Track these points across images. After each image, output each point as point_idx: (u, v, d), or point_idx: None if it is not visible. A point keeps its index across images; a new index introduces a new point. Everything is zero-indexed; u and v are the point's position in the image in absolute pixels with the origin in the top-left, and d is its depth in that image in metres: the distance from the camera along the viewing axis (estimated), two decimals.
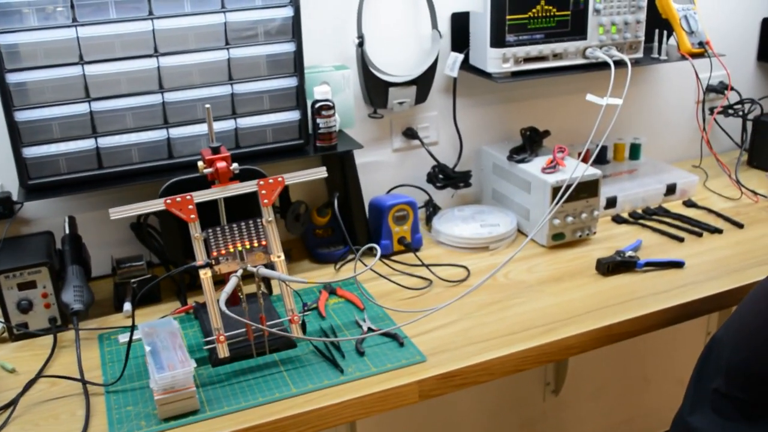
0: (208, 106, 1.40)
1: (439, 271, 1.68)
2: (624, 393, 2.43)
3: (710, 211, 1.94)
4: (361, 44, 1.74)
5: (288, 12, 1.55)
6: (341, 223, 1.67)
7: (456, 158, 1.98)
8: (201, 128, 1.57)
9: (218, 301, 1.28)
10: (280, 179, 1.42)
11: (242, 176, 1.44)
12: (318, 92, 1.63)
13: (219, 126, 1.58)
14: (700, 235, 1.82)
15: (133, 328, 1.35)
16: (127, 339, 1.38)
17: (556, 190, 1.70)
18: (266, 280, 1.60)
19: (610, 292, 1.59)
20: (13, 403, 1.29)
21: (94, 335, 1.51)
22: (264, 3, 1.53)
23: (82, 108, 1.48)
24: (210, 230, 1.38)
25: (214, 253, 1.37)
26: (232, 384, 1.33)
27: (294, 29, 1.56)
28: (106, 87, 1.48)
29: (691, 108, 2.26)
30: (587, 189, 1.75)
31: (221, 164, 1.39)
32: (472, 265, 1.71)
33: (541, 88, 2.05)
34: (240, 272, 1.35)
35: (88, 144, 1.51)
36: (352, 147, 1.69)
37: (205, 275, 1.35)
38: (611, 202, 1.92)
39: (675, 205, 1.99)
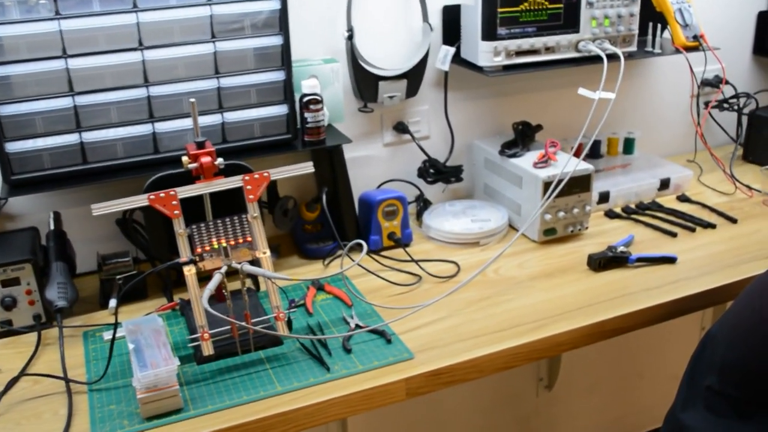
0: (192, 100, 1.38)
1: (429, 266, 1.67)
2: (618, 389, 2.42)
3: (704, 206, 1.92)
4: (350, 37, 1.72)
5: (275, 5, 1.52)
6: (329, 218, 1.65)
7: (447, 153, 1.96)
8: (187, 122, 1.55)
9: (201, 298, 1.26)
10: (265, 174, 1.40)
11: (228, 171, 1.42)
12: (306, 86, 1.60)
13: (205, 120, 1.56)
14: (693, 230, 1.80)
15: (116, 325, 1.33)
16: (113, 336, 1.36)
17: (547, 185, 1.68)
18: (253, 277, 1.58)
19: (602, 287, 1.57)
20: None
21: (79, 332, 1.49)
22: None
23: (66, 102, 1.46)
24: (194, 226, 1.36)
25: (198, 250, 1.35)
26: (216, 382, 1.32)
27: (281, 22, 1.54)
28: (90, 81, 1.46)
29: (685, 102, 2.24)
30: (579, 184, 1.73)
31: (206, 159, 1.37)
32: (463, 261, 1.69)
33: (533, 81, 2.03)
34: (224, 269, 1.33)
35: (72, 139, 1.49)
36: (341, 141, 1.67)
37: (189, 272, 1.33)
38: (604, 197, 1.90)
39: (669, 200, 1.97)
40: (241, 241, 1.38)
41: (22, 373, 1.35)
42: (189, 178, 1.39)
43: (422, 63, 1.81)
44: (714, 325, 1.36)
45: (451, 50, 1.81)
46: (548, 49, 1.77)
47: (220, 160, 1.39)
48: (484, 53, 1.72)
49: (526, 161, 1.78)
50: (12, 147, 1.46)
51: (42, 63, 1.42)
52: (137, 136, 1.53)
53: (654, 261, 1.65)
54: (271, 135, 1.62)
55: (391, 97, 1.81)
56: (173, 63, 1.50)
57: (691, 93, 2.16)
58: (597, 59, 1.75)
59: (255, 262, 1.37)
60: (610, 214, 1.90)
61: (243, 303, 1.36)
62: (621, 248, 1.66)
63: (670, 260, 1.65)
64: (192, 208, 1.40)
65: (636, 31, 1.83)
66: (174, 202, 1.35)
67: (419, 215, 1.87)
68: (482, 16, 1.69)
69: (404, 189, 1.90)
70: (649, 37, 1.91)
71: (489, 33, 1.70)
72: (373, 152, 1.91)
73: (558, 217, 1.74)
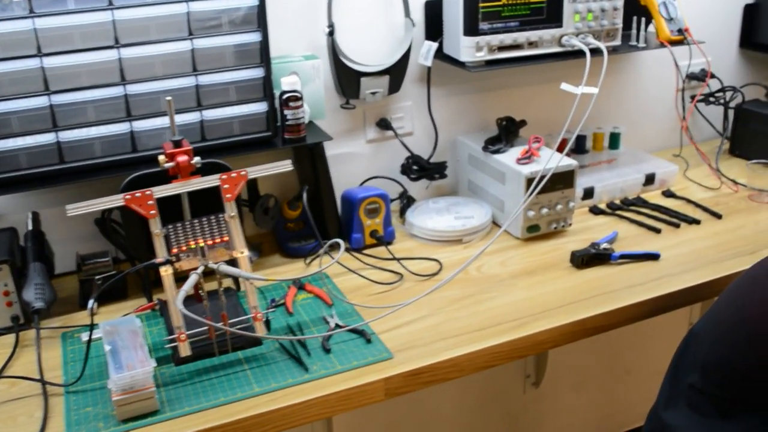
0: (169, 98, 1.36)
1: (411, 264, 1.65)
2: (605, 385, 2.41)
3: (689, 201, 1.91)
4: (331, 33, 1.70)
5: (253, 1, 1.51)
6: (310, 216, 1.64)
7: (431, 149, 1.95)
8: (166, 121, 1.53)
9: (176, 299, 1.25)
10: (243, 173, 1.38)
11: (207, 170, 1.41)
12: (285, 83, 1.59)
13: (184, 118, 1.54)
14: (677, 226, 1.79)
15: (92, 326, 1.32)
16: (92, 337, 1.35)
17: (530, 181, 1.67)
18: (234, 276, 1.57)
19: (584, 285, 1.56)
20: None
21: (57, 333, 1.48)
22: None
23: (42, 101, 1.44)
24: (170, 226, 1.35)
25: (175, 250, 1.34)
26: (194, 383, 1.31)
27: (259, 18, 1.52)
28: (66, 79, 1.44)
29: (671, 96, 2.23)
30: (563, 180, 1.72)
31: (182, 158, 1.36)
32: (445, 259, 1.68)
33: (517, 77, 2.02)
34: (201, 269, 1.32)
35: (48, 138, 1.47)
36: (322, 139, 1.66)
37: (165, 272, 1.32)
38: (588, 193, 1.89)
39: (654, 196, 1.96)
40: (218, 240, 1.37)
41: None
42: (167, 177, 1.38)
43: (404, 59, 1.79)
44: (697, 322, 1.35)
45: (434, 46, 1.80)
46: (531, 44, 1.76)
47: (196, 159, 1.38)
48: (466, 48, 1.71)
49: (509, 157, 1.77)
50: None
51: (17, 62, 1.41)
52: (115, 135, 1.51)
53: (637, 258, 1.64)
54: (251, 133, 1.60)
55: (373, 93, 1.79)
56: (150, 61, 1.48)
57: (676, 87, 2.15)
58: (581, 54, 1.73)
59: (233, 262, 1.36)
60: (595, 210, 1.89)
61: (220, 303, 1.34)
62: (604, 245, 1.65)
63: (654, 257, 1.64)
64: (171, 208, 1.38)
65: (620, 26, 1.81)
66: (150, 202, 1.33)
67: (402, 212, 1.86)
68: (464, 11, 1.68)
69: (388, 186, 1.89)
70: (634, 31, 1.90)
71: (471, 28, 1.69)
72: (356, 149, 1.90)
73: (541, 214, 1.73)
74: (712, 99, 2.21)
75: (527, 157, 1.74)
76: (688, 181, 2.05)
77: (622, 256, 1.63)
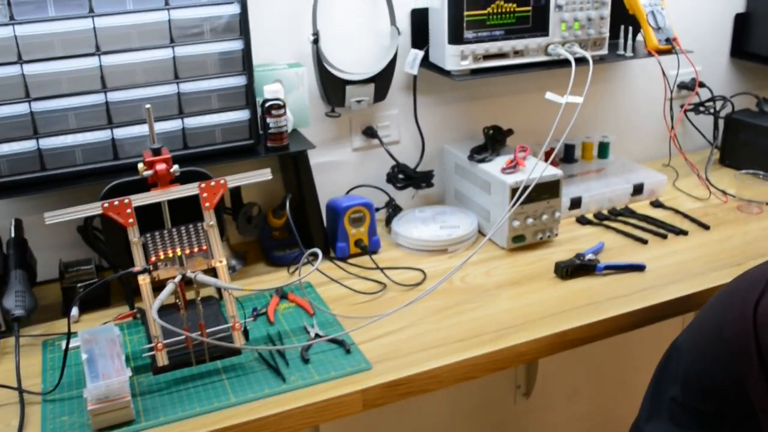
0: (148, 106, 1.36)
1: (395, 274, 1.65)
2: (598, 396, 2.39)
3: (677, 212, 1.90)
4: (316, 41, 1.70)
5: (235, 9, 1.50)
6: (292, 225, 1.63)
7: (419, 157, 1.94)
8: (147, 128, 1.52)
9: (151, 309, 1.24)
10: (222, 182, 1.38)
11: (188, 178, 1.40)
12: (267, 91, 1.58)
13: (166, 126, 1.54)
14: (664, 237, 1.78)
15: (69, 335, 1.31)
16: (71, 345, 1.34)
17: (514, 191, 1.66)
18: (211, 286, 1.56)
19: (568, 296, 1.55)
20: None
21: (38, 341, 1.47)
22: (210, 0, 1.48)
23: (22, 108, 1.44)
24: (148, 235, 1.34)
25: (153, 259, 1.33)
26: (171, 393, 1.30)
27: (241, 26, 1.52)
28: (47, 87, 1.44)
29: (661, 106, 2.21)
30: (548, 190, 1.71)
31: (160, 167, 1.35)
32: (430, 269, 1.67)
33: (505, 85, 2.01)
34: (178, 278, 1.31)
35: (29, 145, 1.46)
36: (305, 147, 1.65)
37: (143, 281, 1.31)
38: (576, 203, 1.88)
39: (642, 206, 1.95)
40: (196, 250, 1.36)
41: None
42: (146, 185, 1.37)
43: (390, 67, 1.78)
44: (680, 335, 1.34)
45: (420, 54, 1.79)
46: (517, 53, 1.75)
47: (175, 167, 1.37)
48: (451, 57, 1.70)
49: (494, 166, 1.76)
50: None
51: None
52: (96, 142, 1.51)
53: (622, 269, 1.63)
54: (233, 141, 1.60)
55: (358, 102, 1.78)
56: (131, 68, 1.48)
57: (665, 96, 2.14)
58: (568, 63, 1.72)
59: (211, 271, 1.35)
60: (582, 221, 1.88)
61: (197, 313, 1.33)
62: (589, 256, 1.64)
63: (639, 268, 1.63)
64: (153, 216, 1.38)
65: (607, 35, 1.81)
66: (128, 211, 1.33)
67: (389, 221, 1.85)
68: (448, 19, 1.67)
69: (374, 195, 1.88)
70: (621, 40, 1.89)
71: (455, 37, 1.68)
72: (342, 157, 1.89)
73: (526, 224, 1.72)
74: (702, 108, 2.20)
75: (513, 167, 1.73)
76: (678, 192, 2.04)
77: (607, 268, 1.62)
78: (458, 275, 1.63)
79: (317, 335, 1.42)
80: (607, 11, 1.78)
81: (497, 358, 1.38)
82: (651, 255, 1.70)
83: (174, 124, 1.55)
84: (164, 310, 1.39)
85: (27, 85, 1.43)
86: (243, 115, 1.58)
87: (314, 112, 1.79)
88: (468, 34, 1.69)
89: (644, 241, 1.76)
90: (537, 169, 1.67)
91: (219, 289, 1.57)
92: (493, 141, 1.85)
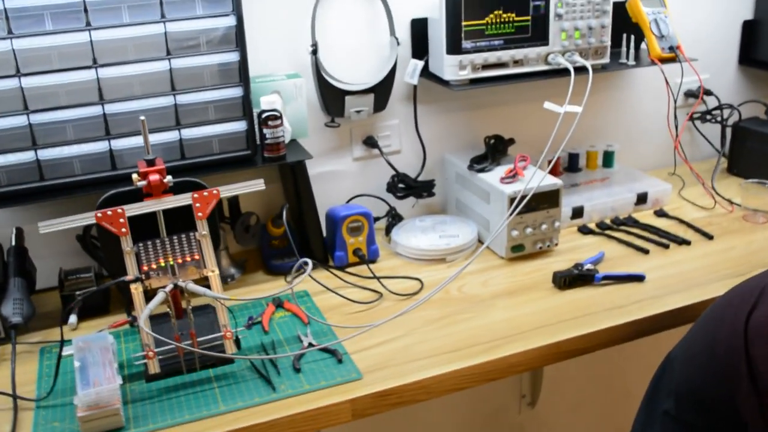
0: (142, 118, 1.37)
1: (392, 284, 1.64)
2: (605, 406, 2.37)
3: (681, 221, 1.88)
4: (315, 52, 1.71)
5: (231, 21, 1.51)
6: (289, 234, 1.64)
7: (420, 167, 1.94)
8: None
9: (140, 317, 1.25)
10: (215, 192, 1.39)
11: (183, 188, 1.41)
12: (264, 102, 1.59)
13: (163, 137, 1.55)
14: (667, 246, 1.76)
15: (62, 342, 1.33)
16: (66, 353, 1.36)
17: (513, 200, 1.65)
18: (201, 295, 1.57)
19: (564, 306, 1.54)
20: None
21: (36, 348, 1.49)
22: (205, 12, 1.50)
23: (21, 120, 1.46)
24: (141, 244, 1.36)
25: (145, 267, 1.34)
26: (162, 400, 1.31)
27: (238, 38, 1.53)
28: (45, 99, 1.46)
29: (667, 114, 2.20)
30: (548, 199, 1.70)
31: (154, 177, 1.37)
32: (427, 278, 1.67)
33: (507, 94, 2.00)
34: (169, 287, 1.32)
35: (28, 156, 1.49)
36: (303, 157, 1.65)
37: (135, 290, 1.33)
38: (578, 212, 1.87)
39: (646, 215, 1.93)
40: (189, 259, 1.37)
41: None
42: (141, 195, 1.39)
43: (390, 77, 1.79)
44: (674, 348, 1.32)
45: (420, 64, 1.79)
46: (517, 62, 1.74)
47: (169, 177, 1.39)
48: (450, 67, 1.70)
49: (494, 176, 1.76)
50: None
51: None
52: (94, 153, 1.52)
53: (621, 279, 1.61)
54: (231, 151, 1.61)
55: (358, 112, 1.79)
56: (128, 80, 1.49)
57: (668, 105, 2.12)
58: (569, 72, 1.71)
59: (205, 281, 1.36)
60: (584, 230, 1.86)
61: (189, 322, 1.35)
62: (588, 266, 1.63)
63: (638, 278, 1.61)
64: (150, 226, 1.39)
65: (608, 43, 1.79)
66: (122, 220, 1.35)
67: (389, 230, 1.85)
68: (447, 29, 1.67)
69: (375, 204, 1.88)
70: (624, 48, 1.88)
71: (454, 46, 1.68)
72: (343, 167, 1.90)
73: (526, 234, 1.71)
74: (708, 117, 2.17)
75: (512, 176, 1.73)
76: (683, 201, 2.01)
77: (606, 278, 1.61)
78: (455, 285, 1.62)
79: (310, 344, 1.43)
80: (608, 20, 1.77)
81: (488, 369, 1.37)
82: (652, 265, 1.68)
83: (171, 135, 1.56)
84: (158, 319, 1.42)
85: (25, 97, 1.45)
86: (240, 126, 1.60)
87: (314, 122, 1.80)
88: (466, 44, 1.68)
89: (645, 251, 1.74)
90: (535, 179, 1.66)
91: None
92: (494, 150, 1.84)
